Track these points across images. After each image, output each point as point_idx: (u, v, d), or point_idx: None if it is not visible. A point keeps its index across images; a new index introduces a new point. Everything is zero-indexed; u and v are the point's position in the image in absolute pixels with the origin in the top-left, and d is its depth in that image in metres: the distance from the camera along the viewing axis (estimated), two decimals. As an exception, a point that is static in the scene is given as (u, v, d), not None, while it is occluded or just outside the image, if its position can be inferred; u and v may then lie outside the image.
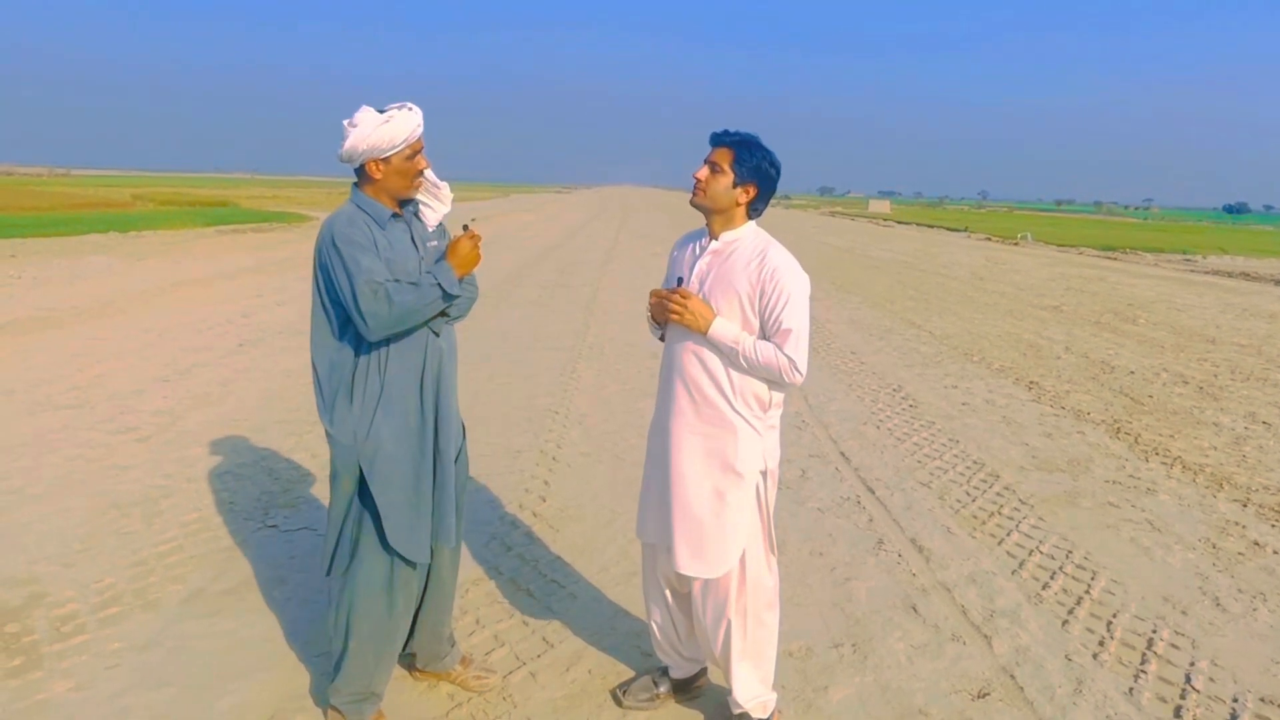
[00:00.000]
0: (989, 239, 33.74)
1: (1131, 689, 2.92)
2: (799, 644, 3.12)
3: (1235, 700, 2.90)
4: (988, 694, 2.86)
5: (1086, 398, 7.19)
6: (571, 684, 2.83)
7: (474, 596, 3.39)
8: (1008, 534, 4.22)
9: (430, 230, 2.51)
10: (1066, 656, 3.10)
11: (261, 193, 50.56)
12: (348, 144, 2.30)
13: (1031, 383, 7.69)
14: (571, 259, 18.03)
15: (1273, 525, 4.51)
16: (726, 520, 2.36)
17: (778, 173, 2.35)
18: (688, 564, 2.38)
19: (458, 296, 2.40)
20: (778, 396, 2.39)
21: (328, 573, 2.48)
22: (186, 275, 12.77)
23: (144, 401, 5.92)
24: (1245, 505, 4.79)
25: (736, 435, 2.34)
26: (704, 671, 2.80)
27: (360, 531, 2.42)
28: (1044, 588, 3.66)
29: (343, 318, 2.33)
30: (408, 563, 2.45)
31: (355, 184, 2.40)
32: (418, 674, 2.81)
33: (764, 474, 2.39)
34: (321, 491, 4.37)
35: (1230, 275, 20.83)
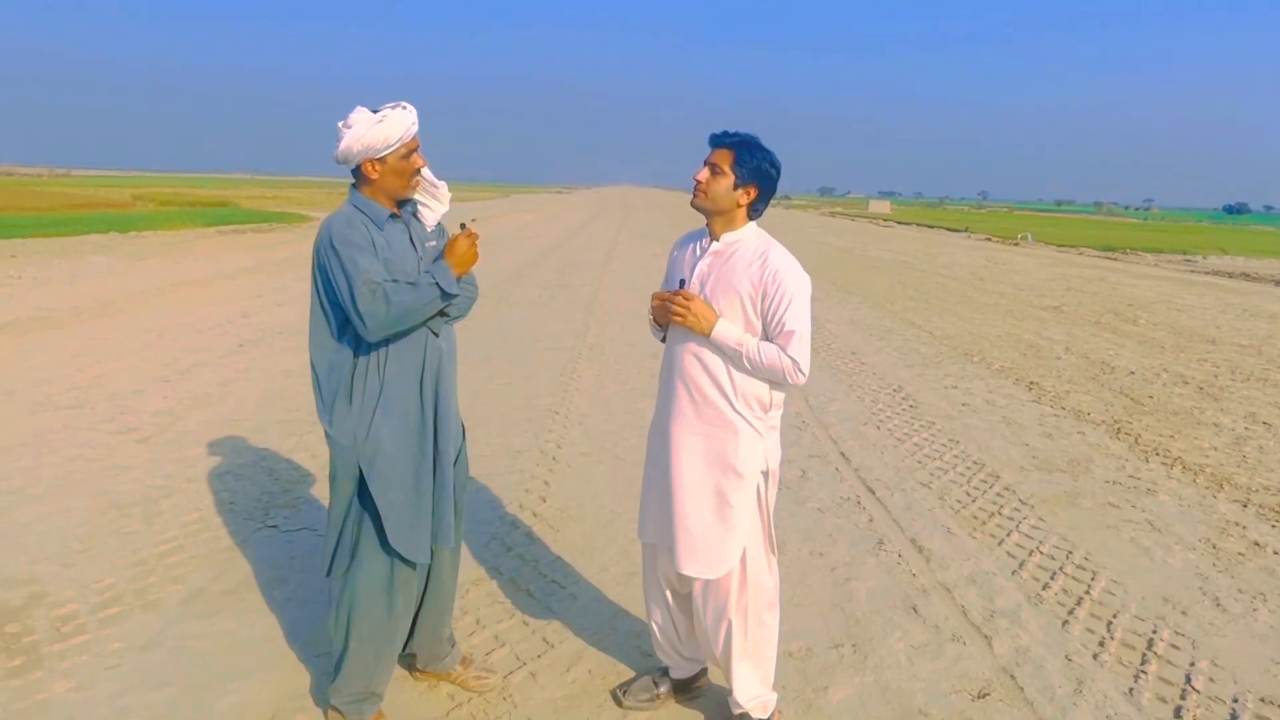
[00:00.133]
0: (989, 239, 33.74)
1: (1131, 689, 2.92)
2: (799, 644, 3.13)
3: (1235, 700, 2.90)
4: (988, 694, 2.86)
5: (1087, 398, 7.19)
6: (572, 684, 2.83)
7: (474, 597, 3.39)
8: (1008, 534, 4.22)
9: (429, 230, 2.51)
10: (1067, 657, 3.10)
11: (261, 193, 50.57)
12: (342, 145, 2.30)
13: (1032, 383, 7.69)
14: (572, 259, 18.03)
15: (1273, 526, 4.51)
16: (727, 520, 2.36)
17: (778, 173, 2.35)
18: (688, 564, 2.38)
19: (456, 296, 2.40)
20: (778, 397, 2.39)
21: (328, 573, 2.48)
22: (186, 275, 12.77)
23: (144, 402, 5.92)
24: (1245, 506, 4.79)
25: (737, 436, 2.34)
26: (704, 672, 2.80)
27: (360, 532, 2.42)
28: (1044, 588, 3.66)
29: (341, 318, 2.33)
30: (407, 563, 2.45)
31: (353, 185, 2.40)
32: (418, 674, 2.81)
33: (765, 474, 2.39)
34: (321, 492, 4.37)
35: (1230, 275, 20.83)
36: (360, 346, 2.35)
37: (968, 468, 5.24)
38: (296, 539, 3.85)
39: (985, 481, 5.00)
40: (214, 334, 8.41)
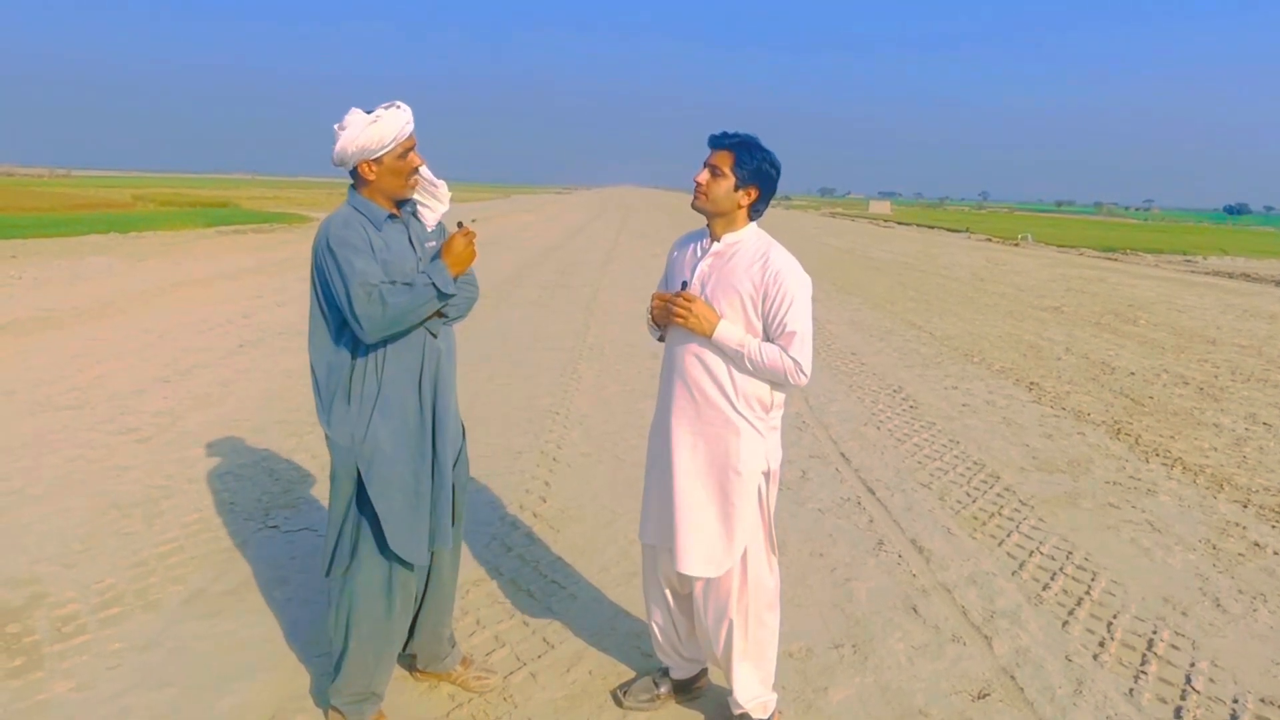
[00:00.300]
0: (989, 240, 33.74)
1: (1132, 690, 2.92)
2: (799, 644, 3.13)
3: (1235, 701, 2.90)
4: (988, 695, 2.86)
5: (1087, 399, 7.19)
6: (572, 684, 2.83)
7: (474, 597, 3.39)
8: (1008, 535, 4.23)
9: (429, 230, 2.50)
10: (1067, 657, 3.10)
11: (262, 193, 50.60)
12: (338, 147, 2.29)
13: (1032, 384, 7.69)
14: (572, 259, 18.03)
15: (1273, 526, 4.51)
16: (728, 521, 2.36)
17: (778, 174, 2.35)
18: (689, 563, 2.38)
19: (453, 295, 2.38)
20: (779, 397, 2.40)
21: (327, 573, 2.48)
22: (187, 276, 12.77)
23: (144, 402, 5.93)
24: (1245, 506, 4.79)
25: (738, 436, 2.34)
26: (704, 672, 2.80)
27: (359, 533, 2.42)
28: (1044, 588, 3.66)
29: (339, 320, 2.32)
30: (406, 564, 2.45)
31: (351, 186, 2.39)
32: (418, 675, 2.81)
33: (765, 475, 2.39)
34: (322, 492, 4.37)
35: (1231, 276, 20.83)
36: (358, 348, 2.35)
37: (968, 468, 5.24)
38: (297, 539, 3.85)
39: (985, 482, 5.00)
40: (214, 334, 8.41)
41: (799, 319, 2.28)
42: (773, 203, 2.58)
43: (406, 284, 2.28)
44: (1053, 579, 3.75)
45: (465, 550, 3.66)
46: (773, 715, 2.57)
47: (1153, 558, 4.04)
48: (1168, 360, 9.09)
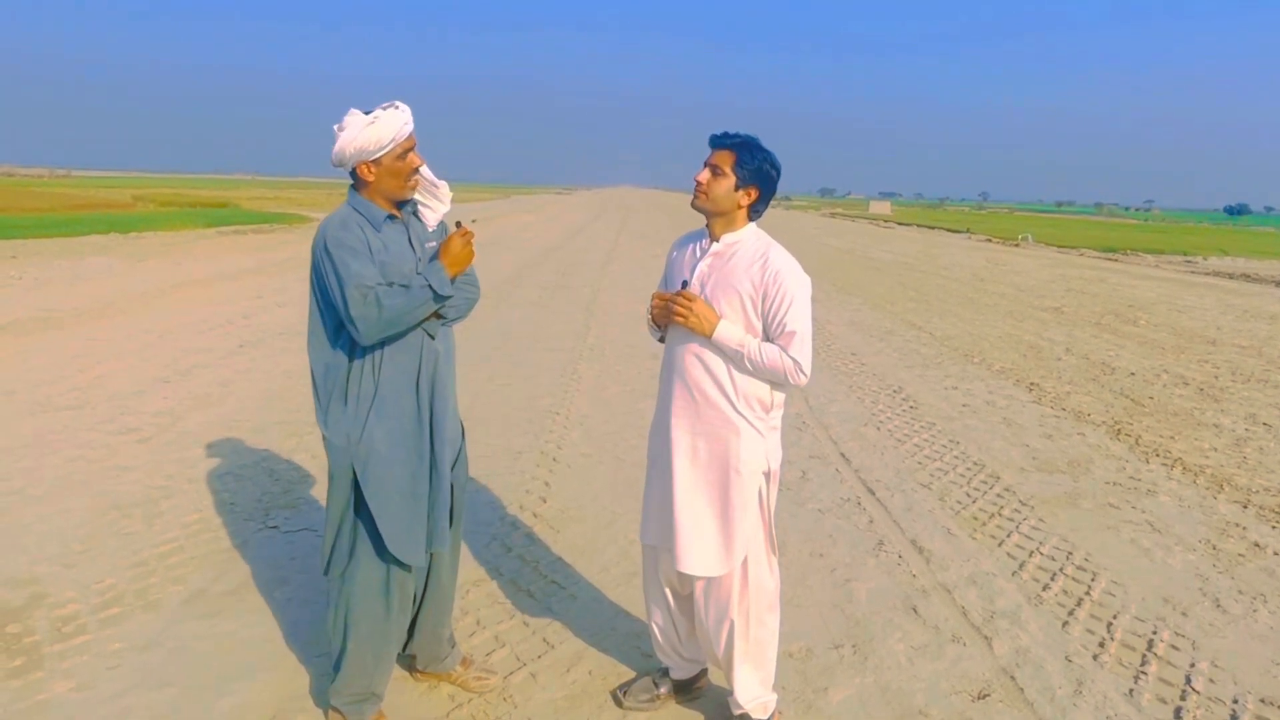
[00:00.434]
0: (990, 240, 33.75)
1: (1131, 690, 2.92)
2: (799, 645, 3.13)
3: (1235, 701, 2.90)
4: (988, 695, 2.86)
5: (1087, 399, 7.19)
6: (572, 685, 2.83)
7: (475, 598, 3.39)
8: (1008, 535, 4.23)
9: (430, 230, 2.49)
10: (1067, 657, 3.10)
11: (262, 194, 50.61)
12: (336, 148, 2.29)
13: (1032, 384, 7.69)
14: (572, 260, 18.03)
15: (1273, 527, 4.51)
16: (728, 521, 2.37)
17: (778, 174, 2.36)
18: (688, 563, 2.38)
19: (449, 297, 2.37)
20: (779, 398, 2.40)
21: (325, 571, 2.48)
22: (187, 276, 12.77)
23: (145, 402, 5.93)
24: (1246, 507, 4.79)
25: (739, 436, 2.34)
26: (704, 672, 2.80)
27: (356, 534, 2.41)
28: (1044, 589, 3.66)
29: (336, 321, 2.32)
30: (404, 565, 2.44)
31: (351, 186, 2.39)
32: (418, 675, 2.81)
33: (766, 475, 2.39)
34: (322, 493, 4.37)
35: (1231, 276, 20.83)
36: (356, 349, 2.34)
37: (968, 469, 5.24)
38: (297, 540, 3.85)
39: (985, 482, 5.00)
40: (214, 335, 8.41)
41: (799, 319, 2.28)
42: (773, 203, 2.59)
43: (403, 286, 2.27)
44: (1053, 579, 3.75)
45: (465, 550, 3.66)
46: (773, 715, 2.57)
47: (1153, 558, 4.04)
48: (1168, 361, 9.09)
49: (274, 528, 3.97)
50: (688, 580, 2.49)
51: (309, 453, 4.96)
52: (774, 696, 2.58)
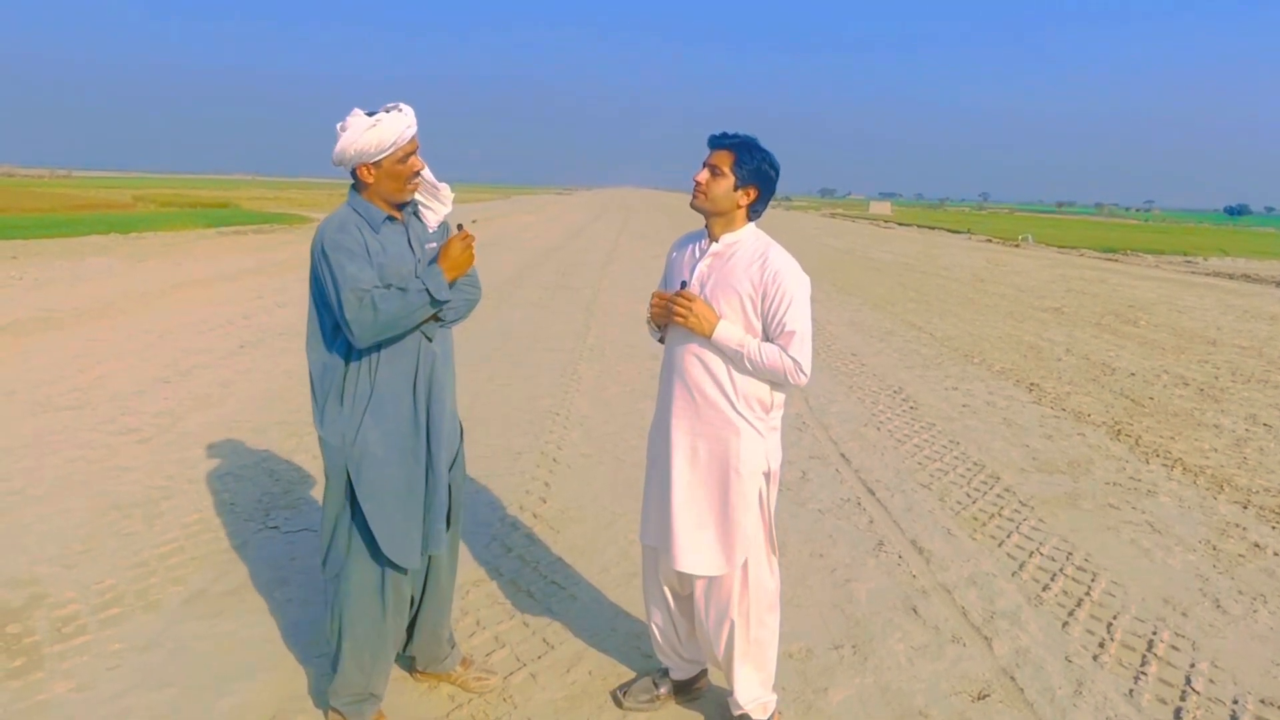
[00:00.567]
0: (990, 241, 33.75)
1: (1131, 690, 2.92)
2: (799, 645, 3.13)
3: (1235, 702, 2.90)
4: (988, 695, 2.86)
5: (1087, 399, 7.19)
6: (572, 685, 2.84)
7: (474, 598, 3.39)
8: (1008, 535, 4.22)
9: (431, 231, 2.48)
10: (1067, 658, 3.10)
11: (262, 194, 50.63)
12: (337, 148, 2.28)
13: (1032, 384, 7.69)
14: (572, 260, 18.03)
15: (1273, 527, 4.51)
16: (728, 521, 2.37)
17: (777, 174, 2.36)
18: (687, 562, 2.38)
19: (447, 301, 2.36)
20: (779, 398, 2.40)
21: (323, 566, 2.48)
22: (187, 276, 12.78)
23: (145, 403, 5.93)
24: (1246, 507, 4.79)
25: (739, 436, 2.34)
26: (704, 673, 2.80)
27: (351, 535, 2.41)
28: (1044, 589, 3.66)
29: (334, 321, 2.31)
30: (398, 567, 2.44)
31: (352, 186, 2.38)
32: (418, 675, 2.81)
33: (766, 475, 2.39)
34: (322, 493, 4.37)
35: (1231, 277, 20.83)
36: (352, 350, 2.33)
37: (968, 469, 5.24)
38: (297, 540, 3.85)
39: (985, 483, 5.00)
40: (215, 335, 8.42)
41: (798, 319, 2.28)
42: (772, 203, 2.59)
43: (400, 289, 2.25)
44: (1053, 580, 3.75)
45: (465, 551, 3.66)
46: (773, 716, 2.57)
47: (1153, 558, 4.04)
48: (1168, 361, 9.09)
49: (274, 528, 3.97)
50: (688, 581, 2.49)
51: (309, 453, 4.96)
52: (774, 697, 2.58)
